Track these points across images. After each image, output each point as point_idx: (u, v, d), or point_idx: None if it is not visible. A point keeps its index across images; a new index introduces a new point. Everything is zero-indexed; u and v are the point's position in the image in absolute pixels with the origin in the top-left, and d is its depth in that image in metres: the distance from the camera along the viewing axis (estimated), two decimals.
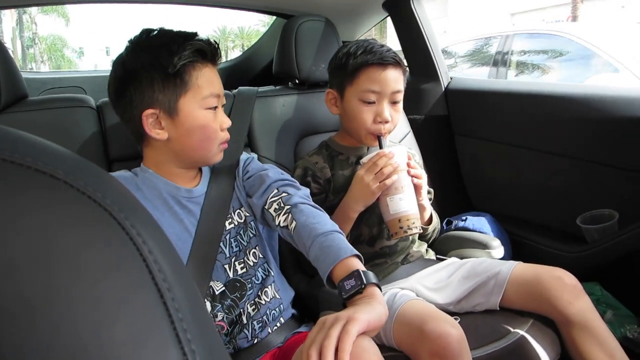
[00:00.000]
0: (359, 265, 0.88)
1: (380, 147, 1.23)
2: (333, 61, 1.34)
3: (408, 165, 1.21)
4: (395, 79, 1.24)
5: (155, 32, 1.02)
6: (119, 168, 1.30)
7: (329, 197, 1.30)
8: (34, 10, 23.55)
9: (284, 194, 1.06)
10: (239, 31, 29.21)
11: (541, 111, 1.52)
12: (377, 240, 1.29)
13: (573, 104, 1.43)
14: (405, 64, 1.93)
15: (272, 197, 1.07)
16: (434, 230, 1.40)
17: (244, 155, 1.24)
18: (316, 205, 1.05)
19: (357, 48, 1.26)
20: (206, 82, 1.01)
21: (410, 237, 1.32)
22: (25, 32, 24.16)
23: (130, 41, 1.03)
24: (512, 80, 1.74)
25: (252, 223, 1.14)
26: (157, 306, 0.28)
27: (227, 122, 1.07)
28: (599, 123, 1.37)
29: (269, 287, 1.10)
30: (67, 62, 28.64)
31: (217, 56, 1.05)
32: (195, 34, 1.03)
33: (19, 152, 0.27)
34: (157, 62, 0.97)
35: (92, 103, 1.34)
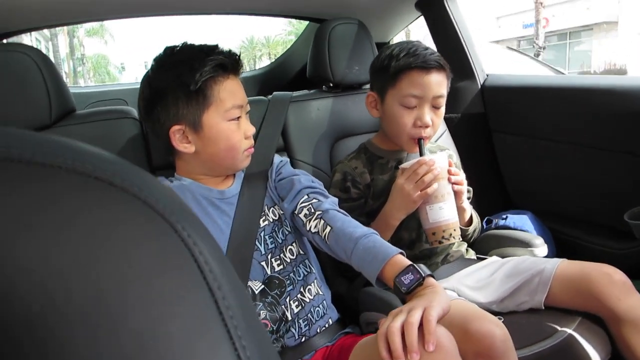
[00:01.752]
0: (407, 261, 0.91)
1: (421, 154, 1.21)
2: (375, 63, 1.32)
3: (449, 172, 1.19)
4: (438, 83, 1.22)
5: (178, 48, 1.07)
6: (161, 175, 1.36)
7: (369, 202, 1.29)
8: (81, 33, 26.87)
9: (314, 200, 1.09)
10: (265, 40, 30.73)
11: (581, 105, 1.47)
12: (417, 243, 1.28)
13: (614, 97, 1.39)
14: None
15: (302, 202, 1.10)
16: (474, 231, 1.38)
17: (277, 158, 1.26)
18: (345, 212, 1.08)
19: (400, 50, 1.23)
20: (228, 94, 1.04)
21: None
22: (75, 53, 27.16)
23: (155, 59, 1.08)
24: (550, 75, 1.69)
25: (286, 221, 1.16)
26: (210, 304, 0.29)
27: (251, 130, 1.10)
28: None
29: (312, 284, 1.12)
30: (110, 77, 30.69)
31: (239, 67, 1.08)
32: (215, 47, 1.07)
33: (80, 160, 0.29)
34: (179, 80, 1.01)
35: (134, 114, 1.39)
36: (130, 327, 0.27)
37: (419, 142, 1.21)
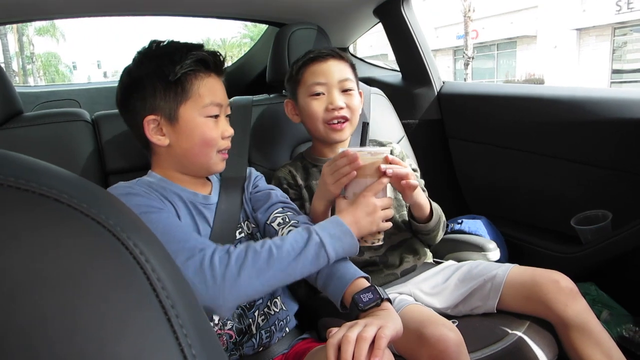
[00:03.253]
0: (369, 283, 0.94)
1: (362, 142, 1.19)
2: (286, 76, 1.39)
3: (393, 163, 1.07)
4: (339, 69, 1.29)
5: (163, 43, 1.06)
6: (115, 181, 1.30)
7: (305, 205, 1.30)
8: (30, 32, 26.20)
9: (288, 212, 1.10)
10: (222, 42, 30.85)
11: (533, 114, 1.53)
12: (366, 250, 1.29)
13: (565, 107, 1.45)
14: (397, 68, 1.96)
15: (276, 213, 1.10)
16: (436, 226, 1.30)
17: (254, 172, 1.26)
18: None
19: (301, 57, 1.34)
20: (207, 91, 1.04)
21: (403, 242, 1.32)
22: (24, 52, 26.43)
23: (139, 52, 1.07)
24: (505, 84, 1.76)
25: (257, 234, 1.15)
26: (162, 323, 0.28)
27: (229, 131, 1.09)
28: (591, 125, 1.38)
29: (278, 298, 1.10)
30: (61, 76, 29.71)
31: (222, 67, 1.08)
32: (201, 45, 1.07)
33: (23, 178, 0.28)
34: (159, 70, 1.01)
35: (87, 117, 1.34)
36: (76, 350, 0.26)
37: (363, 127, 1.17)
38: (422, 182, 1.45)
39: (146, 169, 1.31)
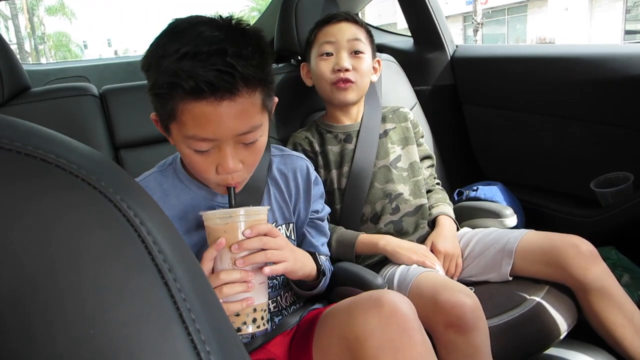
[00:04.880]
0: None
1: (230, 204, 0.88)
2: (305, 42, 1.40)
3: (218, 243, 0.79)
4: (350, 31, 1.29)
5: (185, 27, 0.79)
6: (125, 155, 1.31)
7: (320, 172, 1.30)
8: (41, 11, 26.20)
9: (307, 234, 1.08)
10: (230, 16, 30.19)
11: (549, 74, 1.48)
12: (382, 217, 1.28)
13: (582, 66, 1.40)
14: (410, 34, 1.90)
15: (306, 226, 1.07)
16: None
17: (312, 167, 1.08)
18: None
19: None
20: (192, 120, 0.77)
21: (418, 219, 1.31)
22: (36, 32, 26.48)
23: (167, 28, 0.82)
24: (518, 45, 1.69)
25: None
26: (159, 287, 0.28)
27: (231, 167, 0.82)
28: (610, 84, 1.33)
29: (289, 293, 1.04)
30: (73, 55, 29.96)
31: (226, 90, 0.76)
32: (220, 52, 0.75)
33: (18, 140, 0.27)
34: (152, 67, 0.81)
35: (94, 91, 1.33)
36: (80, 312, 0.25)
37: (229, 191, 0.87)
38: (427, 149, 1.45)
39: (157, 142, 1.30)
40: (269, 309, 0.99)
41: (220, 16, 0.83)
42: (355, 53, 1.28)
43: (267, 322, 0.83)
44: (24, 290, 0.25)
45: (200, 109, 0.76)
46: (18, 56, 1.48)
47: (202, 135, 0.79)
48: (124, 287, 0.27)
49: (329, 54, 1.29)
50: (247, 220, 0.80)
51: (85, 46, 34.44)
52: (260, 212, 0.83)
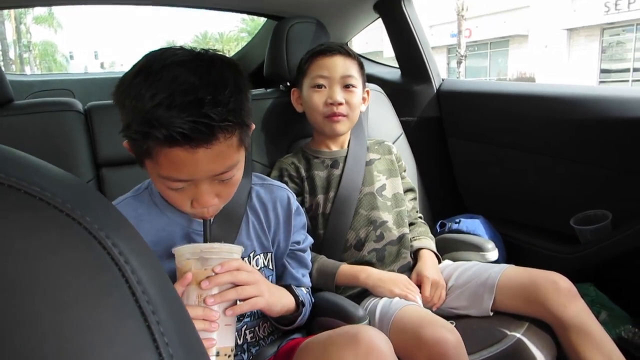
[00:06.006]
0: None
1: (204, 238, 0.88)
2: (297, 67, 1.41)
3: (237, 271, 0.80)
4: (344, 65, 1.31)
5: (164, 65, 0.75)
6: (107, 173, 1.28)
7: (305, 198, 1.31)
8: (29, 20, 25.96)
9: (288, 265, 1.06)
10: (219, 36, 31.10)
11: (532, 112, 1.51)
12: (365, 244, 1.28)
13: (564, 105, 1.43)
14: (397, 65, 1.94)
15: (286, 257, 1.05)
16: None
17: (293, 197, 1.06)
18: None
19: (312, 49, 1.37)
20: (168, 163, 0.76)
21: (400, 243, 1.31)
22: (22, 40, 26.18)
23: (140, 64, 0.79)
24: (503, 82, 1.74)
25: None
26: (141, 331, 0.27)
27: (207, 202, 0.82)
28: (591, 124, 1.37)
29: (267, 323, 1.02)
30: (58, 65, 29.67)
31: (201, 140, 0.74)
32: (199, 103, 0.73)
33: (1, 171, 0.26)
34: (132, 104, 0.76)
35: (79, 107, 1.31)
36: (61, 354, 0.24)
37: (204, 224, 0.86)
38: (410, 182, 1.47)
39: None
40: (245, 347, 0.97)
41: (196, 50, 0.80)
42: (348, 87, 1.30)
43: None
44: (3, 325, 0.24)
45: (175, 154, 0.75)
46: (1, 63, 1.45)
47: (177, 177, 0.78)
48: (107, 330, 0.25)
49: (321, 86, 1.30)
50: (219, 257, 0.78)
51: (72, 57, 34.21)
52: (233, 251, 0.81)
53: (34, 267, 0.25)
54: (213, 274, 0.77)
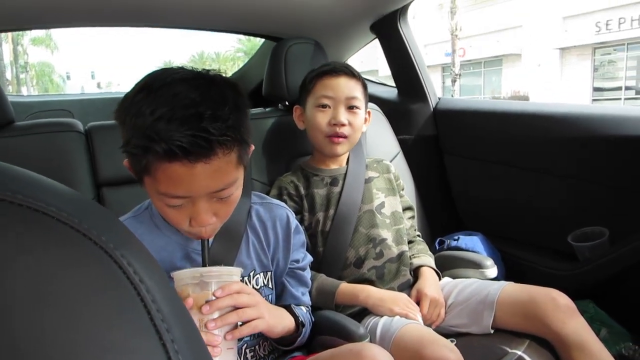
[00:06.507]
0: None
1: (203, 262, 0.87)
2: (301, 84, 1.41)
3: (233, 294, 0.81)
4: (349, 86, 1.32)
5: (166, 84, 0.77)
6: (108, 193, 1.29)
7: (305, 216, 1.31)
8: (26, 41, 26.21)
9: (287, 284, 1.06)
10: (216, 56, 31.35)
11: (527, 131, 1.53)
12: (365, 261, 1.28)
13: (559, 123, 1.45)
14: (394, 84, 1.96)
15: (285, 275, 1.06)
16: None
17: (292, 216, 1.08)
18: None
19: (317, 68, 1.37)
20: (166, 179, 0.77)
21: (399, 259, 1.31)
22: (19, 61, 26.38)
23: (142, 82, 0.80)
24: (499, 101, 1.77)
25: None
26: (157, 349, 0.27)
27: (205, 220, 0.81)
28: (586, 141, 1.38)
29: (268, 341, 1.02)
30: (54, 86, 29.71)
31: (200, 154, 0.75)
32: (198, 117, 0.74)
33: (10, 190, 0.27)
34: (132, 121, 0.77)
35: (80, 127, 1.32)
36: None
37: (202, 244, 0.86)
38: (408, 200, 1.48)
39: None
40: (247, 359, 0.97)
41: (197, 71, 0.82)
42: (352, 108, 1.31)
43: None
44: (18, 344, 0.24)
45: (174, 170, 0.75)
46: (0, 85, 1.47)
47: (175, 193, 0.78)
48: (124, 349, 0.26)
49: (325, 106, 1.31)
50: (218, 280, 0.78)
51: (68, 77, 34.30)
52: (232, 274, 0.82)
53: (49, 284, 0.25)
54: (213, 298, 0.77)
